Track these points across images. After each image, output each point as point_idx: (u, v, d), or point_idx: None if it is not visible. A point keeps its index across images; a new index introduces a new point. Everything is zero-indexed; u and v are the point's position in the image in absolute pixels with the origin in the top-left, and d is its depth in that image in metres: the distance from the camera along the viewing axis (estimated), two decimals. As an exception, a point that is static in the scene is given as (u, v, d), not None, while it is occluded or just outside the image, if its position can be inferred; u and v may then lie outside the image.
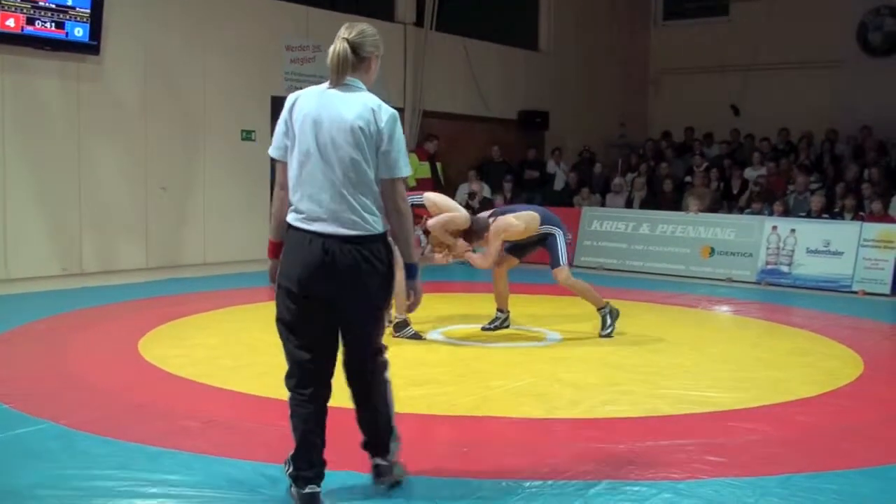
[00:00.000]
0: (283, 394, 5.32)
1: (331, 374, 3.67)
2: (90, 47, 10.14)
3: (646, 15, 19.11)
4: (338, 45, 3.58)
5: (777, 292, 10.74)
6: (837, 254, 10.85)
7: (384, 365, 3.76)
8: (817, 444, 4.63)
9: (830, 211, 11.84)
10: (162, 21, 11.09)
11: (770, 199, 12.52)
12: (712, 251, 11.79)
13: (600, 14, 17.73)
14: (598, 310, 7.39)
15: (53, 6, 9.70)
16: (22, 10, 9.47)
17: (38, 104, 10.06)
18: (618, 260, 12.30)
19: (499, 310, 7.66)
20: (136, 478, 3.87)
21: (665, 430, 4.80)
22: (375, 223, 3.49)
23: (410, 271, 3.62)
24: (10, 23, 9.41)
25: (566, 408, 5.23)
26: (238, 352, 6.56)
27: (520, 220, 7.21)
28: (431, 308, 7.99)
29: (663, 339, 7.41)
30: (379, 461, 3.80)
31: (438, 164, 14.35)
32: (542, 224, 7.30)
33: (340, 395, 3.82)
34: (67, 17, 9.84)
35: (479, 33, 15.63)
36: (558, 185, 15.18)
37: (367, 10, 13.95)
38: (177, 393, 5.38)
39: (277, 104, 13.76)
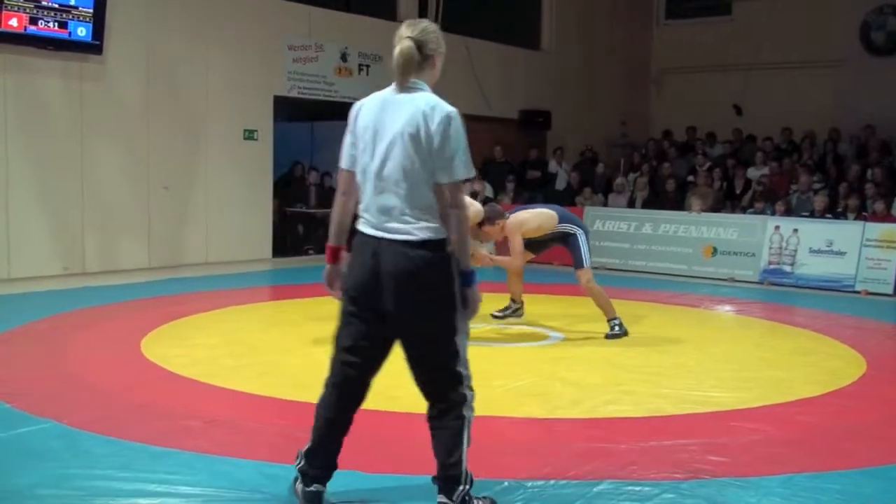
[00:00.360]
0: (285, 393, 5.35)
1: (367, 386, 3.62)
2: (93, 47, 10.15)
3: (648, 14, 19.09)
4: (403, 45, 3.39)
5: (780, 292, 10.73)
6: (840, 254, 10.84)
7: (462, 400, 3.46)
8: (820, 444, 4.62)
9: (833, 211, 11.82)
10: (164, 21, 11.10)
11: (773, 198, 12.51)
12: (715, 251, 11.78)
13: (602, 13, 17.72)
14: (609, 320, 7.37)
15: (56, 6, 9.71)
16: (25, 9, 9.48)
17: (41, 104, 10.07)
18: (620, 260, 12.29)
19: (512, 300, 7.75)
20: (138, 477, 3.87)
21: (667, 429, 4.79)
22: (429, 230, 3.34)
23: (465, 279, 3.41)
24: (14, 22, 9.42)
25: (568, 407, 5.23)
26: (240, 351, 6.56)
27: (534, 217, 7.28)
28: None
29: (666, 338, 7.41)
30: (441, 498, 3.47)
31: None
32: (560, 223, 7.34)
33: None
34: (70, 16, 9.85)
35: (480, 33, 15.62)
36: (560, 184, 15.17)
37: (370, 10, 13.95)
38: (178, 392, 5.38)
39: (279, 103, 13.90)
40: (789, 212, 12.02)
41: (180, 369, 5.87)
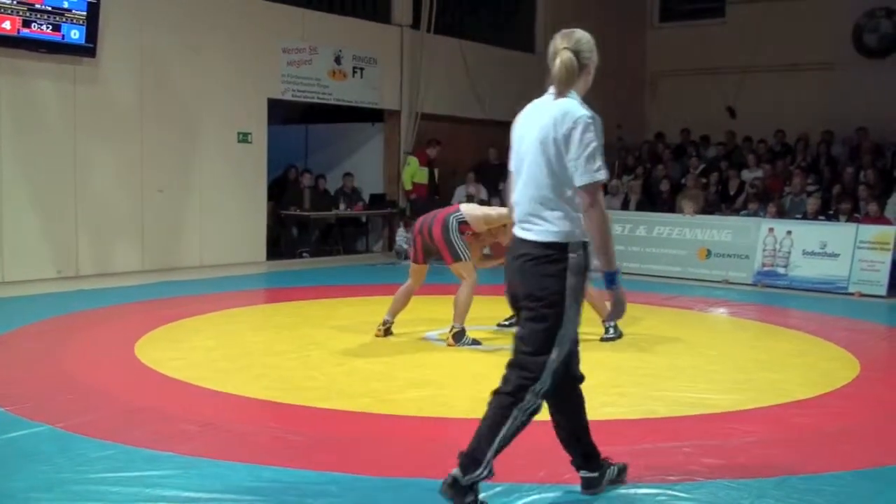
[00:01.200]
0: (280, 396, 5.34)
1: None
2: (86, 49, 10.13)
3: (641, 17, 19.13)
4: (563, 56, 3.54)
5: (773, 294, 10.75)
6: (834, 255, 10.86)
7: (521, 399, 3.48)
8: (814, 445, 4.63)
9: (826, 213, 11.85)
10: (158, 23, 11.09)
11: (767, 200, 12.54)
12: (709, 253, 11.80)
13: (596, 16, 17.71)
14: (603, 321, 7.36)
15: (49, 8, 9.69)
16: (18, 12, 9.46)
17: (35, 106, 10.05)
18: (614, 262, 12.30)
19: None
20: (133, 481, 3.86)
21: (662, 431, 4.80)
22: (553, 233, 3.45)
23: (608, 279, 3.52)
24: (7, 25, 9.40)
25: (563, 410, 5.22)
26: (234, 354, 6.55)
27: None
28: (428, 310, 7.99)
29: (660, 340, 7.41)
30: (455, 472, 3.49)
31: (435, 171, 14.35)
32: None
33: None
34: (63, 19, 9.83)
35: (475, 35, 15.65)
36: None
37: (364, 13, 13.96)
38: (173, 396, 5.37)
39: (274, 106, 13.89)
40: (781, 213, 12.04)
41: (175, 372, 5.86)
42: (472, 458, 3.47)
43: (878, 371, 6.53)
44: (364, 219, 14.66)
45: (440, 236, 6.93)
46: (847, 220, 11.45)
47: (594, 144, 3.43)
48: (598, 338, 7.28)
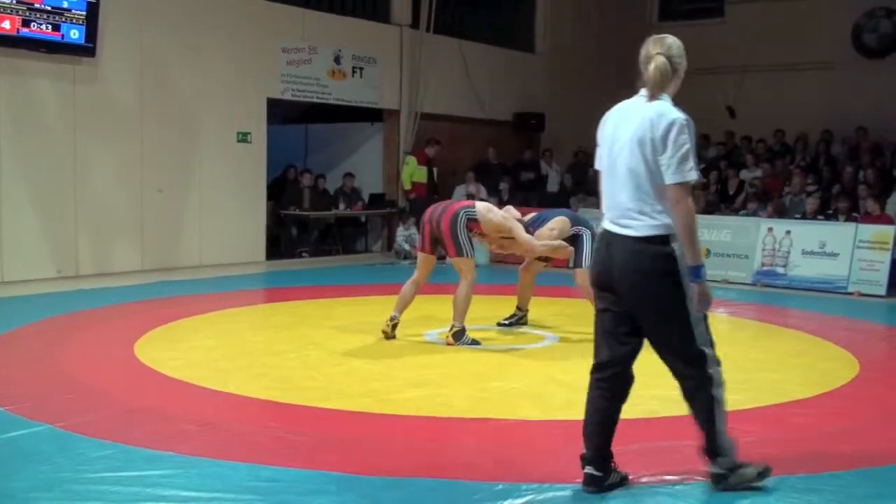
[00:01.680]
0: (279, 396, 5.35)
1: (619, 366, 3.83)
2: (86, 49, 10.14)
3: (641, 16, 19.11)
4: (658, 62, 3.70)
5: (773, 294, 10.75)
6: (833, 255, 10.87)
7: (709, 380, 3.73)
8: (813, 445, 4.63)
9: (825, 212, 11.85)
10: (157, 23, 11.09)
11: (766, 200, 12.54)
12: (708, 252, 11.79)
13: (595, 16, 17.74)
14: None
15: (49, 8, 9.69)
16: (18, 11, 9.46)
17: (34, 106, 10.05)
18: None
19: (518, 307, 7.86)
20: (133, 481, 3.86)
21: (661, 431, 4.80)
22: (652, 227, 3.64)
23: (694, 273, 3.65)
24: (6, 25, 9.40)
25: (563, 409, 5.23)
26: (234, 354, 6.55)
27: (554, 230, 7.37)
28: (428, 309, 7.99)
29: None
30: (707, 467, 3.84)
31: (434, 170, 14.35)
32: (572, 227, 7.46)
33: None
34: (63, 19, 9.83)
35: (475, 35, 15.65)
36: (552, 186, 15.20)
37: (364, 12, 13.96)
38: (173, 395, 5.38)
39: (273, 106, 13.89)
40: (782, 213, 12.04)
41: (174, 372, 5.86)
42: (712, 451, 3.77)
43: (878, 371, 6.53)
44: (363, 219, 14.66)
45: (447, 228, 6.90)
46: (846, 220, 11.45)
47: (687, 146, 3.62)
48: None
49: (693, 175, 3.61)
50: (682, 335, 3.69)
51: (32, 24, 9.60)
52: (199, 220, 11.78)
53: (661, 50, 3.73)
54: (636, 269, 3.65)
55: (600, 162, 3.85)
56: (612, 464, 3.87)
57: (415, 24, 14.38)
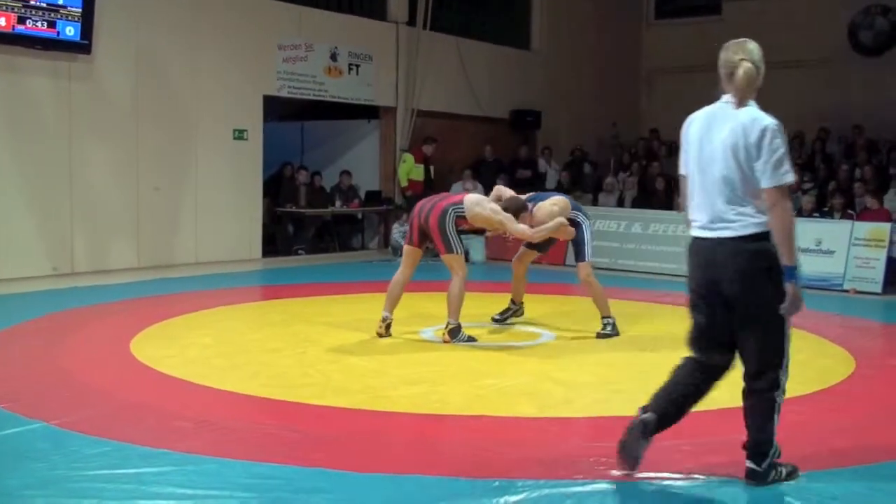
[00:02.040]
0: (275, 393, 5.34)
1: (715, 366, 3.96)
2: (81, 46, 10.11)
3: (638, 14, 19.13)
4: (746, 67, 3.79)
5: (769, 291, 10.74)
6: (829, 252, 10.88)
7: (776, 385, 3.88)
8: (809, 442, 4.64)
9: (821, 209, 11.86)
10: (153, 20, 11.07)
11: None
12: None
13: (592, 13, 17.75)
14: (603, 317, 7.36)
15: (44, 5, 9.67)
16: (13, 8, 9.44)
17: (30, 103, 10.03)
18: (610, 259, 12.29)
19: (512, 301, 7.81)
20: (129, 478, 3.85)
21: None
22: (752, 225, 3.74)
23: (788, 273, 3.70)
24: (2, 22, 9.38)
25: (559, 406, 5.24)
26: (230, 351, 6.55)
27: (556, 206, 7.25)
28: (423, 307, 7.99)
29: (656, 337, 7.41)
30: (749, 464, 3.93)
31: (431, 168, 14.34)
32: (572, 209, 7.34)
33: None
34: (59, 16, 9.81)
35: (471, 33, 15.64)
36: (550, 183, 15.19)
37: (360, 10, 13.95)
38: (169, 393, 5.37)
39: (269, 103, 13.86)
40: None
41: (170, 369, 5.86)
42: (760, 451, 3.89)
43: (874, 368, 6.54)
44: (360, 216, 14.65)
45: (436, 224, 6.86)
46: (841, 217, 11.47)
47: (781, 150, 3.72)
48: (594, 334, 7.28)
49: (789, 178, 3.71)
50: (773, 334, 3.80)
51: (28, 21, 9.58)
52: (195, 217, 11.76)
53: (744, 56, 3.81)
54: (738, 267, 3.75)
55: (685, 166, 3.97)
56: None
57: (411, 21, 14.36)
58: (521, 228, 6.98)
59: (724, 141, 3.77)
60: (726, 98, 3.85)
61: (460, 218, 6.90)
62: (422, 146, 14.06)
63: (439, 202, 7.01)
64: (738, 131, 3.74)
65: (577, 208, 7.44)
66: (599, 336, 7.25)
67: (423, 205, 7.07)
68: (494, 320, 7.78)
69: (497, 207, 7.01)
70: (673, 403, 3.96)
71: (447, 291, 6.92)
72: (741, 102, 3.80)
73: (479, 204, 6.99)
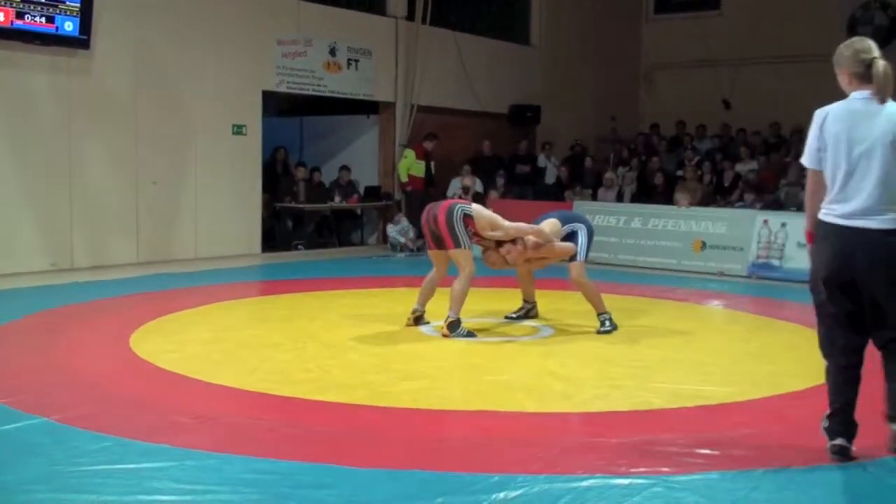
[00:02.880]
0: (275, 389, 5.34)
1: (856, 347, 4.18)
2: (80, 41, 10.11)
3: (637, 9, 19.12)
4: (884, 63, 3.99)
5: (768, 286, 10.76)
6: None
7: None
8: (808, 436, 4.64)
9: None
10: (152, 15, 11.06)
11: (762, 192, 12.55)
12: (704, 245, 11.81)
13: (591, 8, 17.73)
14: (598, 314, 7.41)
15: (43, 0, 9.66)
16: (12, 4, 9.43)
17: (28, 98, 10.02)
18: (609, 254, 12.30)
19: (525, 300, 7.88)
20: (129, 473, 3.86)
21: (657, 423, 4.81)
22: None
23: None
24: (0, 17, 9.36)
25: (558, 402, 5.24)
26: (229, 347, 6.55)
27: (553, 227, 7.40)
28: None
29: (655, 333, 7.42)
30: (891, 425, 4.15)
31: (432, 164, 14.34)
32: (564, 225, 7.46)
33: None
34: (57, 11, 9.80)
35: (470, 28, 15.63)
36: (549, 179, 15.20)
37: (359, 5, 13.93)
38: (168, 388, 5.38)
39: (268, 98, 13.86)
40: (779, 206, 12.04)
41: (170, 365, 5.86)
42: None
43: (871, 363, 6.53)
44: (359, 211, 14.65)
45: (444, 222, 6.96)
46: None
47: None
48: (594, 330, 7.29)
49: None
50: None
51: (27, 16, 9.57)
52: (194, 212, 11.76)
53: (878, 54, 4.00)
54: (884, 258, 3.91)
55: (819, 161, 4.10)
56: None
57: (410, 16, 14.35)
58: (523, 226, 7.20)
59: (880, 137, 3.93)
60: (860, 94, 4.05)
61: (467, 217, 7.01)
62: (423, 142, 14.06)
63: (444, 203, 7.22)
64: (890, 128, 3.92)
65: (573, 219, 7.59)
66: (600, 332, 7.25)
67: (430, 210, 7.18)
68: (508, 318, 7.79)
69: (499, 219, 7.21)
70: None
71: (451, 286, 6.96)
72: (884, 99, 3.98)
73: (483, 208, 7.26)
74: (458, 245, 6.97)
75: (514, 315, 7.82)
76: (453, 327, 6.92)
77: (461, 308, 6.95)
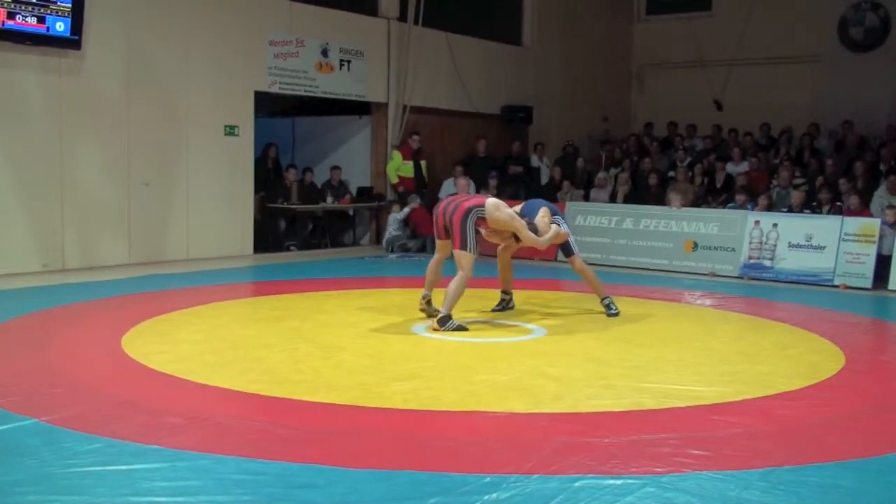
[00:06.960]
0: (267, 390, 5.34)
1: None
2: (71, 42, 10.08)
3: (629, 9, 19.15)
4: None
5: (759, 286, 10.79)
6: (819, 248, 10.91)
7: None
8: (799, 437, 4.66)
9: (810, 204, 11.90)
10: (144, 15, 11.03)
11: (753, 193, 12.57)
12: (695, 246, 11.84)
13: (583, 8, 17.75)
14: (602, 300, 8.03)
15: (34, 1, 9.63)
16: (3, 4, 9.40)
17: (20, 99, 9.99)
18: (601, 254, 12.31)
19: (503, 292, 8.23)
20: (120, 474, 3.85)
21: (649, 423, 4.82)
22: None
23: None
24: (-10, 17, 9.34)
25: (550, 402, 5.25)
26: (221, 347, 6.54)
27: (546, 217, 7.82)
28: (416, 303, 7.99)
29: (647, 333, 7.44)
30: None
31: (423, 163, 14.34)
32: (553, 216, 7.95)
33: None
34: (48, 11, 9.77)
35: (462, 28, 15.63)
36: (543, 179, 15.21)
37: (351, 5, 13.92)
38: (160, 389, 5.36)
39: (260, 99, 13.84)
40: (770, 206, 12.08)
41: (161, 366, 5.85)
42: None
43: (863, 363, 6.57)
44: (351, 212, 14.64)
45: (458, 222, 7.26)
46: (829, 210, 11.51)
47: None
48: (586, 330, 7.37)
49: None
50: None
51: (18, 16, 9.54)
52: (186, 213, 11.74)
53: None
54: None
55: None
56: None
57: (402, 17, 14.34)
58: (533, 236, 7.55)
59: None
60: None
61: (481, 219, 7.33)
62: (408, 141, 14.09)
63: (463, 202, 7.42)
64: None
65: (554, 212, 8.03)
66: (609, 316, 7.85)
67: (448, 203, 7.49)
68: (494, 311, 8.08)
69: (514, 213, 7.56)
70: None
71: (447, 285, 7.10)
72: None
73: (499, 208, 7.45)
74: (463, 247, 7.24)
75: (498, 308, 8.12)
76: (443, 321, 7.07)
77: (453, 307, 7.02)
